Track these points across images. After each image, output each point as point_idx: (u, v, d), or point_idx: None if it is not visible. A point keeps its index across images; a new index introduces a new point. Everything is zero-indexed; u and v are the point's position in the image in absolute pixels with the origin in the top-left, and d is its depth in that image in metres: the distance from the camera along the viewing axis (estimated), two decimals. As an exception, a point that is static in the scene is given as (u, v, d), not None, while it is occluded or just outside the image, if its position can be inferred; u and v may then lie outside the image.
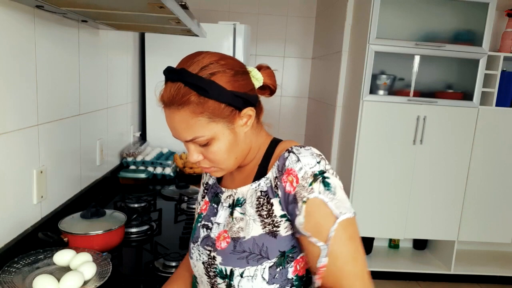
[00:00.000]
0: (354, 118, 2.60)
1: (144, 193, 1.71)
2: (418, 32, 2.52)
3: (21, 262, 0.96)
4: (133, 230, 1.31)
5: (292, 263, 0.73)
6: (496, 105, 2.59)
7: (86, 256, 0.98)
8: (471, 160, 2.64)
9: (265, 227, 0.73)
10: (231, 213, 0.79)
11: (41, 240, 1.08)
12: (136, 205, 1.54)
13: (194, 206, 1.56)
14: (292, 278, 0.74)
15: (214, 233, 0.80)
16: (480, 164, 2.65)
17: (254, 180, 0.78)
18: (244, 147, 0.77)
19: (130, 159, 2.01)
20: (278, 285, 0.73)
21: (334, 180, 0.70)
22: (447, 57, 2.53)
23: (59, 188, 1.34)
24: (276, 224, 0.73)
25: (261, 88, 0.79)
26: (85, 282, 0.91)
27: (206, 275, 0.79)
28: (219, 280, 0.76)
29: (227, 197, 0.82)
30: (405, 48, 2.46)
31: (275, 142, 0.81)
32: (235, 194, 0.80)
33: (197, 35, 1.59)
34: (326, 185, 0.69)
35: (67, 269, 0.96)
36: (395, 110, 2.54)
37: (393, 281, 2.84)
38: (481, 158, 2.64)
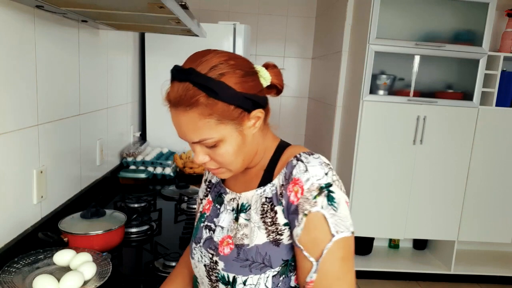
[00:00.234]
0: (354, 118, 2.60)
1: (144, 193, 1.71)
2: (418, 32, 2.52)
3: (21, 262, 0.96)
4: (133, 230, 1.31)
5: (295, 272, 0.72)
6: (496, 105, 2.59)
7: (86, 256, 0.98)
8: (471, 160, 2.64)
9: (269, 235, 0.72)
10: (236, 219, 0.77)
11: (41, 240, 1.08)
12: (136, 205, 1.54)
13: (194, 206, 1.56)
14: (295, 287, 0.73)
15: (217, 237, 0.78)
16: (480, 164, 2.65)
17: (259, 185, 0.76)
18: (251, 149, 0.75)
19: (130, 159, 2.01)
20: None
21: (339, 194, 0.68)
22: (447, 57, 2.52)
23: (59, 188, 1.34)
24: (279, 232, 0.71)
25: (268, 87, 0.77)
26: (85, 282, 0.91)
27: (208, 278, 0.78)
28: (221, 286, 0.75)
29: (230, 199, 0.80)
30: (405, 48, 2.46)
31: (282, 146, 0.79)
32: (239, 198, 0.78)
33: (197, 35, 1.59)
34: (331, 199, 0.67)
35: (67, 269, 0.96)
36: (395, 110, 2.54)
37: (393, 281, 2.84)
38: (481, 158, 2.64)
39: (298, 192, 0.68)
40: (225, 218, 0.79)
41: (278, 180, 0.73)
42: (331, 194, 0.67)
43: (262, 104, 0.73)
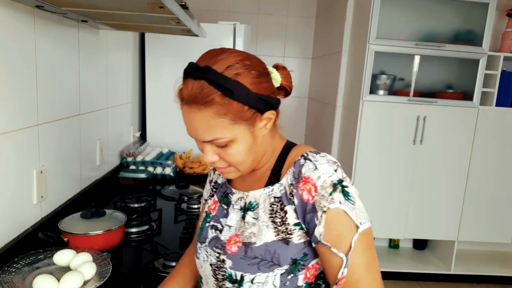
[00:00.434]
0: (354, 118, 2.60)
1: (144, 193, 1.71)
2: (418, 32, 2.52)
3: (21, 262, 0.96)
4: (133, 230, 1.31)
5: (303, 271, 0.72)
6: (496, 105, 2.59)
7: (86, 256, 0.98)
8: (471, 160, 2.64)
9: (278, 234, 0.71)
10: (243, 217, 0.77)
11: (41, 240, 1.08)
12: (136, 205, 1.54)
13: (194, 206, 1.56)
14: (302, 286, 0.73)
15: (224, 236, 0.78)
16: (480, 164, 2.65)
17: (267, 185, 0.76)
18: (261, 149, 0.75)
19: (130, 159, 2.01)
20: None
21: (352, 189, 0.69)
22: (447, 57, 2.53)
23: (59, 188, 1.34)
24: (289, 232, 0.71)
25: (277, 89, 0.77)
26: (85, 282, 0.91)
27: (214, 277, 0.78)
28: (228, 284, 0.75)
29: (238, 199, 0.80)
30: (405, 48, 2.46)
31: (288, 146, 0.80)
32: (246, 197, 0.78)
33: (197, 35, 1.59)
34: (346, 194, 0.68)
35: (67, 269, 0.96)
36: (395, 110, 2.54)
37: (393, 281, 2.84)
38: (481, 158, 2.64)
39: (311, 190, 0.68)
40: (233, 217, 0.79)
41: (286, 180, 0.73)
42: (345, 189, 0.68)
43: (275, 105, 0.73)
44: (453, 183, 2.66)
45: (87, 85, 1.54)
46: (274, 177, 0.76)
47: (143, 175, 1.87)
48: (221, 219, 0.82)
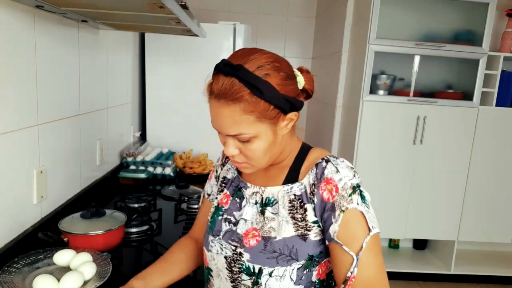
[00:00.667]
0: (354, 118, 2.60)
1: (144, 193, 1.71)
2: (418, 32, 2.52)
3: (21, 262, 0.96)
4: (133, 230, 1.31)
5: (317, 267, 0.75)
6: (496, 105, 2.59)
7: (86, 256, 0.98)
8: (471, 160, 2.64)
9: (297, 229, 0.75)
10: (262, 212, 0.79)
11: (41, 240, 1.08)
12: (136, 205, 1.54)
13: (194, 206, 1.56)
14: (315, 281, 0.76)
15: (241, 229, 0.80)
16: (480, 164, 2.65)
17: (285, 182, 0.79)
18: (279, 148, 0.79)
19: (130, 159, 2.01)
20: (303, 287, 0.75)
21: (367, 195, 0.74)
22: (447, 57, 2.53)
23: (59, 188, 1.34)
24: (308, 228, 0.74)
25: (300, 91, 0.81)
26: (85, 282, 0.91)
27: (228, 269, 0.79)
28: (244, 277, 0.77)
29: (253, 193, 0.83)
30: (405, 48, 2.46)
31: (305, 148, 0.83)
32: (263, 192, 0.81)
33: (197, 35, 1.59)
34: (363, 198, 0.72)
35: (67, 269, 0.96)
36: (395, 110, 2.54)
37: (393, 281, 2.84)
38: (481, 158, 2.64)
39: (332, 190, 0.72)
40: (249, 211, 0.82)
41: (307, 180, 0.76)
42: (363, 193, 0.73)
43: (298, 107, 0.77)
44: (453, 183, 2.66)
45: (87, 85, 1.54)
46: (292, 176, 0.80)
47: (143, 175, 1.87)
48: (234, 212, 0.84)
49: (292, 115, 0.76)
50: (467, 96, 2.61)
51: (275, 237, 0.75)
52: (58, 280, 0.88)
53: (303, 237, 0.74)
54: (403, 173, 2.62)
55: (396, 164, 2.61)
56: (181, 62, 2.33)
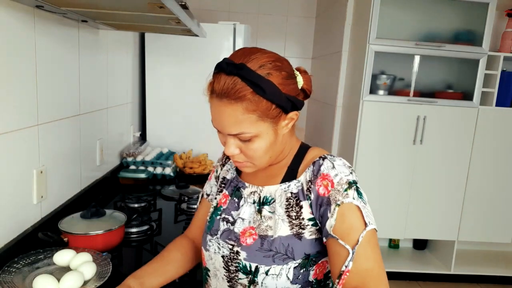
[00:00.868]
0: (354, 118, 2.60)
1: (144, 193, 1.71)
2: (418, 32, 2.52)
3: (21, 262, 0.96)
4: (133, 230, 1.31)
5: (314, 267, 0.75)
6: (496, 105, 2.59)
7: (86, 256, 0.98)
8: (471, 160, 2.64)
9: (292, 228, 0.75)
10: (259, 211, 0.80)
11: (41, 240, 1.08)
12: (136, 205, 1.54)
13: (194, 206, 1.56)
14: (312, 281, 0.76)
15: (238, 228, 0.80)
16: (480, 164, 2.65)
17: (283, 181, 0.80)
18: (279, 147, 0.79)
19: (130, 159, 2.01)
20: (300, 286, 0.75)
21: (364, 193, 0.74)
22: (447, 57, 2.53)
23: (59, 188, 1.34)
24: (302, 227, 0.74)
25: None
26: (85, 282, 0.91)
27: (225, 268, 0.80)
28: (241, 275, 0.77)
29: (251, 193, 0.83)
30: (405, 48, 2.46)
31: (304, 148, 0.84)
32: (261, 191, 0.81)
33: (197, 35, 1.59)
34: (360, 194, 0.72)
35: (67, 269, 0.96)
36: (395, 110, 2.54)
37: (393, 281, 2.84)
38: (481, 158, 2.64)
39: (328, 185, 0.72)
40: (246, 210, 0.82)
41: (304, 177, 0.77)
42: (359, 189, 0.73)
43: (299, 107, 0.77)
44: (453, 183, 2.66)
45: (87, 85, 1.54)
46: (290, 175, 0.80)
47: (143, 175, 1.87)
48: (232, 212, 0.84)
49: (293, 114, 0.76)
50: (467, 96, 2.61)
51: (271, 236, 0.75)
52: (58, 280, 0.88)
53: (298, 236, 0.74)
54: (403, 173, 2.62)
55: (396, 164, 2.61)
56: (181, 62, 2.33)
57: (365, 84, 2.49)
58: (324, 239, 0.72)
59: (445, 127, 2.58)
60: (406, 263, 2.94)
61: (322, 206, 0.72)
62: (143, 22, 1.31)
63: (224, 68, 0.71)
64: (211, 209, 0.90)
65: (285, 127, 0.76)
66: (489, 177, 2.67)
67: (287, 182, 0.79)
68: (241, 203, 0.84)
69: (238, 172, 0.90)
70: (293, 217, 0.75)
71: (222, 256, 0.80)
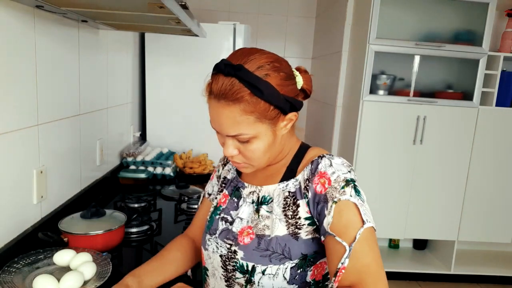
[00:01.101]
0: (354, 118, 2.60)
1: (144, 193, 1.71)
2: (418, 32, 2.52)
3: (21, 262, 0.96)
4: (133, 230, 1.31)
5: (312, 267, 0.75)
6: (496, 105, 2.59)
7: (86, 256, 0.98)
8: (471, 160, 2.64)
9: (288, 227, 0.74)
10: (257, 210, 0.80)
11: (41, 240, 1.08)
12: (136, 205, 1.54)
13: (194, 206, 1.56)
14: (310, 282, 0.75)
15: (236, 228, 0.80)
16: (480, 164, 2.65)
17: (281, 181, 0.79)
18: (278, 148, 0.79)
19: (130, 159, 2.01)
20: (297, 286, 0.74)
21: (362, 192, 0.74)
22: (447, 57, 2.53)
23: (59, 188, 1.34)
24: (298, 226, 0.74)
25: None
26: (85, 282, 0.91)
27: (223, 268, 0.80)
28: (238, 275, 0.77)
29: (250, 193, 0.83)
30: (405, 48, 2.46)
31: (304, 147, 0.83)
32: (259, 191, 0.81)
33: (197, 35, 1.59)
34: (357, 192, 0.72)
35: (67, 269, 0.96)
36: (395, 110, 2.54)
37: (393, 281, 2.84)
38: (481, 158, 2.64)
39: (325, 183, 0.72)
40: (245, 210, 0.82)
41: (302, 176, 0.76)
42: (357, 187, 0.72)
43: (298, 107, 0.77)
44: (453, 183, 2.66)
45: (87, 85, 1.54)
46: (289, 175, 0.80)
47: (143, 175, 1.87)
48: (231, 212, 0.84)
49: (291, 115, 0.76)
50: (467, 96, 2.61)
51: (268, 235, 0.75)
52: (58, 280, 0.88)
53: (295, 235, 0.74)
54: (403, 173, 2.62)
55: (396, 164, 2.61)
56: (181, 62, 2.33)
57: (365, 84, 2.49)
58: (322, 238, 0.72)
59: (445, 127, 2.58)
60: (406, 263, 2.94)
61: (319, 204, 0.72)
62: (143, 22, 1.31)
63: (222, 69, 0.70)
64: (211, 209, 0.91)
65: (283, 128, 0.76)
66: (489, 177, 2.67)
67: (285, 182, 0.79)
68: (240, 203, 0.84)
69: (238, 172, 0.90)
70: (289, 217, 0.75)
71: (220, 256, 0.80)
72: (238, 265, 0.77)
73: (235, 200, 0.85)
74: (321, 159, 0.75)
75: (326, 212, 0.70)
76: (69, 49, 1.38)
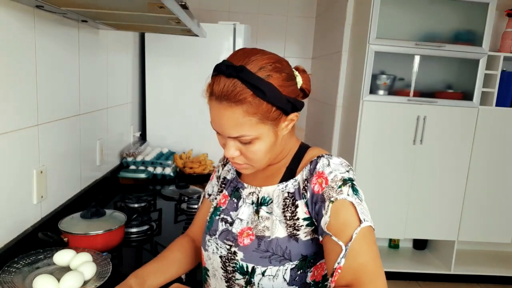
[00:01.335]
0: (354, 118, 2.60)
1: (144, 193, 1.71)
2: (418, 32, 2.52)
3: (21, 262, 0.96)
4: (133, 230, 1.31)
5: (312, 268, 0.75)
6: (496, 105, 2.59)
7: (86, 256, 0.98)
8: (471, 160, 2.64)
9: (287, 228, 0.74)
10: (257, 211, 0.79)
11: (41, 240, 1.08)
12: (136, 205, 1.54)
13: (194, 206, 1.56)
14: (310, 283, 0.75)
15: (236, 228, 0.80)
16: (480, 164, 2.65)
17: (281, 181, 0.79)
18: (279, 148, 0.79)
19: (130, 159, 2.01)
20: (297, 287, 0.74)
21: (361, 191, 0.73)
22: (447, 57, 2.53)
23: (59, 188, 1.34)
24: (296, 228, 0.74)
25: None
26: (85, 282, 0.91)
27: (223, 269, 0.80)
28: (238, 276, 0.77)
29: (249, 193, 0.83)
30: (405, 48, 2.46)
31: (304, 148, 0.83)
32: (259, 192, 0.81)
33: (197, 35, 1.59)
34: (355, 191, 0.71)
35: (67, 269, 0.96)
36: (395, 110, 2.54)
37: (393, 281, 2.84)
38: (481, 158, 2.64)
39: (323, 183, 0.72)
40: (244, 211, 0.82)
41: (301, 176, 0.76)
42: (355, 187, 0.71)
43: (299, 108, 0.77)
44: (453, 183, 2.66)
45: (87, 85, 1.54)
46: (288, 175, 0.79)
47: (143, 175, 1.87)
48: (231, 212, 0.84)
49: (293, 115, 0.76)
50: (467, 96, 2.61)
51: (268, 237, 0.75)
52: (58, 280, 0.88)
53: (294, 237, 0.74)
54: (403, 173, 2.62)
55: (396, 164, 2.61)
56: (181, 62, 2.33)
57: (365, 84, 2.49)
58: (320, 238, 0.71)
59: (445, 127, 2.58)
60: (406, 263, 2.94)
61: (317, 204, 0.72)
62: (143, 22, 1.31)
63: (223, 70, 0.70)
64: (211, 209, 0.91)
65: (285, 128, 0.76)
66: (489, 177, 2.67)
67: (284, 182, 0.78)
68: (239, 203, 0.84)
69: (238, 172, 0.90)
70: (288, 218, 0.75)
71: (220, 257, 0.80)
72: (238, 266, 0.77)
73: (235, 200, 0.85)
74: (320, 159, 0.75)
75: (323, 211, 0.70)
76: (69, 49, 1.38)
